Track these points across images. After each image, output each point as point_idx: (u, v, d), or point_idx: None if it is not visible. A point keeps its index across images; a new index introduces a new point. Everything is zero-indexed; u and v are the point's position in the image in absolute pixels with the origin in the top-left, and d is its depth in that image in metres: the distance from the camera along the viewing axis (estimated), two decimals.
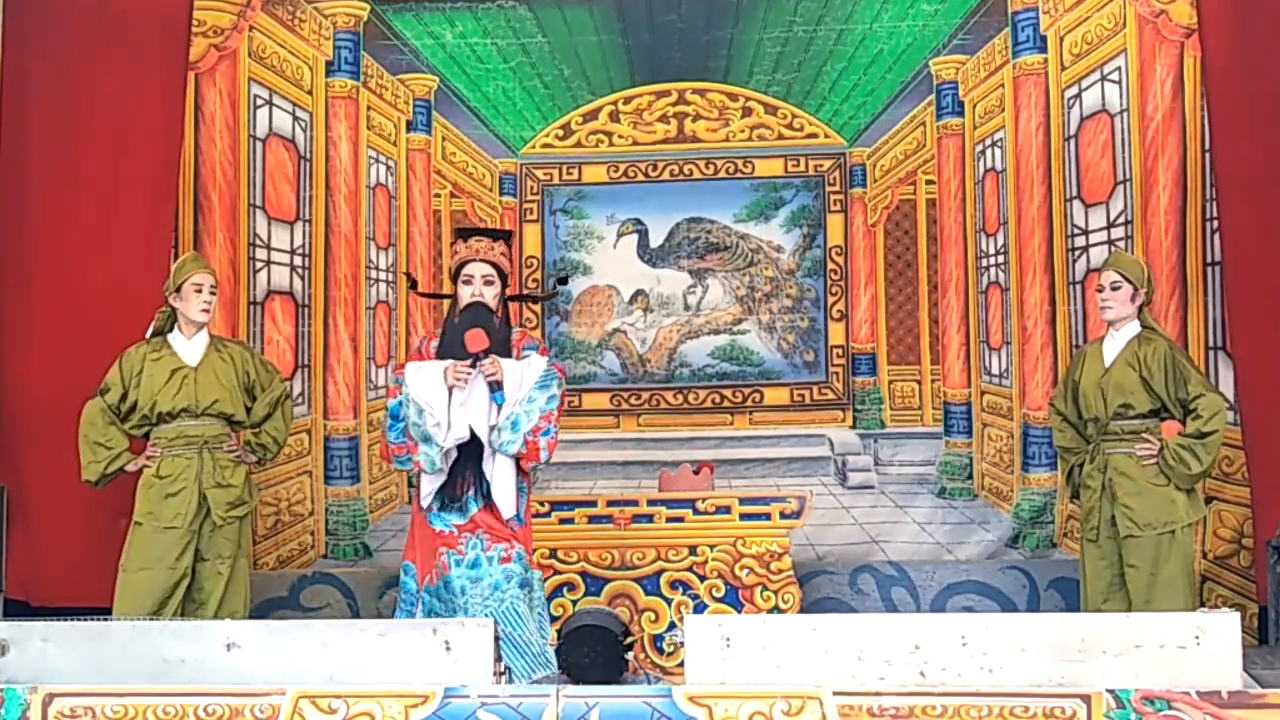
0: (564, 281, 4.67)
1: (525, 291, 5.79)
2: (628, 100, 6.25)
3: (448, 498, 4.52)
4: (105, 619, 4.03)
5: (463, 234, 4.68)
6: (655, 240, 6.27)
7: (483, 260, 4.54)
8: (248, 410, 5.06)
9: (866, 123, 6.20)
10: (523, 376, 4.45)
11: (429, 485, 4.54)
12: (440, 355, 4.54)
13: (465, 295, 4.53)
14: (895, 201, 6.20)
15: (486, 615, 4.20)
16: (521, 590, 4.44)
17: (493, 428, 4.44)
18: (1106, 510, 4.82)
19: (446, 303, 4.76)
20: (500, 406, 4.44)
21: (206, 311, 5.00)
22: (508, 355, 4.52)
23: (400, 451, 4.55)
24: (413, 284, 5.15)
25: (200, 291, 4.97)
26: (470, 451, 4.50)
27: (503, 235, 4.70)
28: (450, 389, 4.42)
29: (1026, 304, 6.02)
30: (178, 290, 4.98)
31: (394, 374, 4.38)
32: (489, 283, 4.54)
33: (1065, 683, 3.06)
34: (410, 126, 6.33)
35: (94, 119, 5.89)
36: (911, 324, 6.15)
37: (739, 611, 5.10)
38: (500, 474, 4.46)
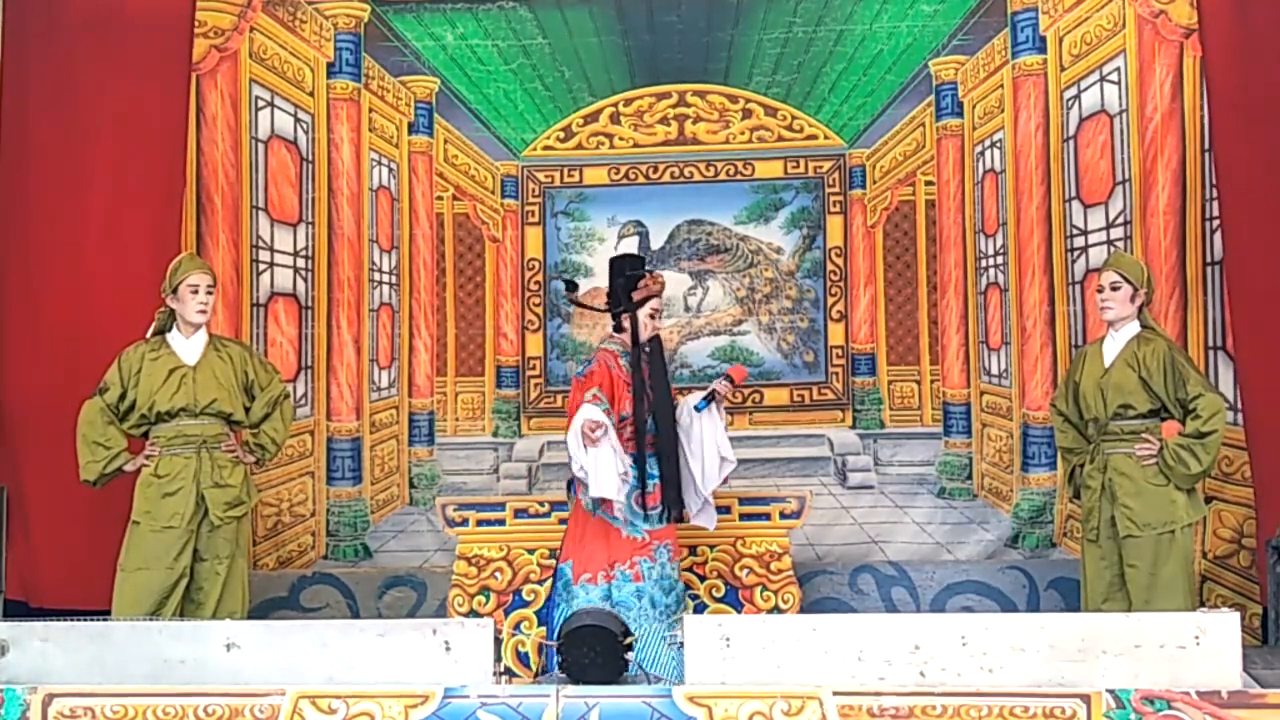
0: (572, 286, 5.09)
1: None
2: (628, 102, 6.26)
3: (643, 504, 4.70)
4: (105, 619, 4.03)
5: (639, 264, 4.96)
6: (656, 242, 6.28)
7: (659, 295, 4.89)
8: (246, 410, 5.06)
9: (866, 124, 6.20)
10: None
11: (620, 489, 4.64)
12: (654, 385, 4.78)
13: (649, 327, 4.85)
14: (895, 202, 6.20)
15: (671, 626, 4.48)
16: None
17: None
18: (1106, 510, 4.82)
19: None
20: (700, 411, 4.77)
21: (203, 312, 5.00)
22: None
23: None
24: (572, 287, 5.16)
25: (196, 292, 4.97)
26: (678, 462, 4.76)
27: None
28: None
29: (1026, 304, 6.02)
30: (174, 292, 4.98)
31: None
32: (661, 316, 4.97)
33: (1065, 683, 3.07)
34: (412, 128, 6.34)
35: (97, 120, 5.90)
36: (911, 324, 6.15)
37: (739, 611, 5.10)
38: (722, 477, 4.82)
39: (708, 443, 4.78)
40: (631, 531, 4.70)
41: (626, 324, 4.83)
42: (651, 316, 4.84)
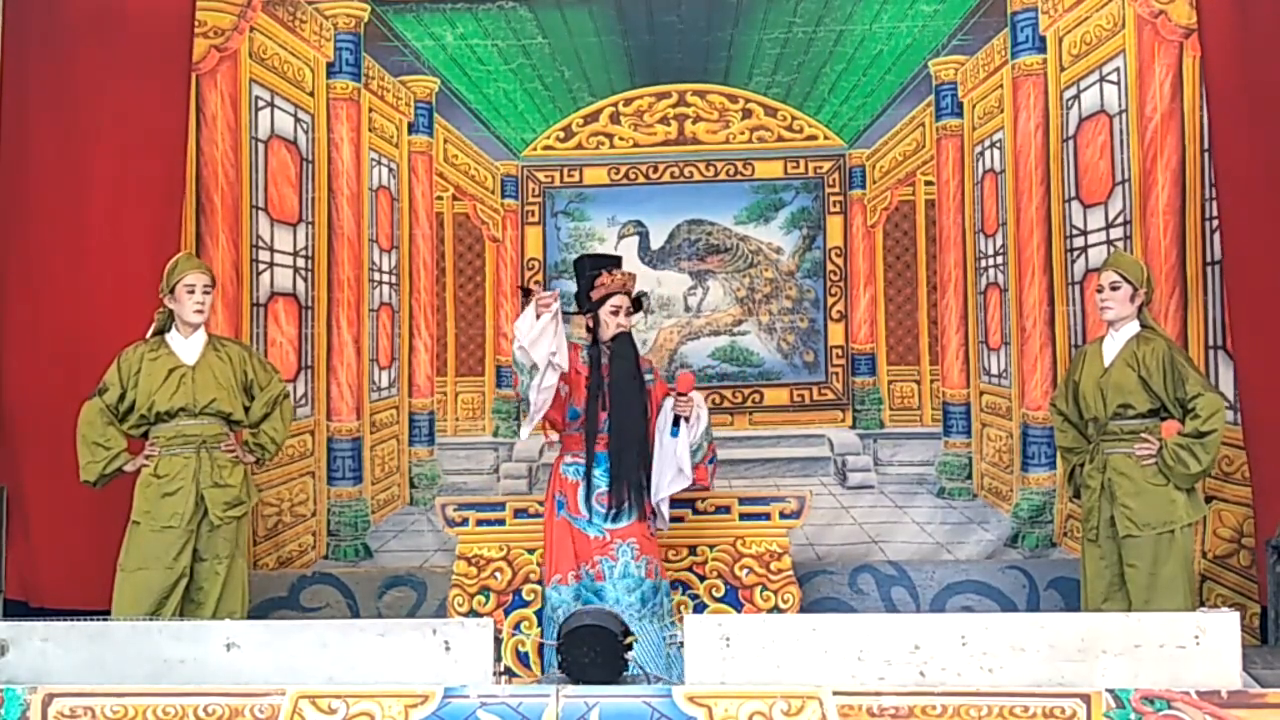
0: (527, 293, 5.16)
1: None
2: (628, 102, 6.26)
3: (604, 505, 4.72)
4: (105, 619, 4.02)
5: (603, 263, 4.91)
6: (656, 242, 6.28)
7: (624, 292, 4.82)
8: (246, 410, 5.06)
9: (866, 124, 6.20)
10: (700, 411, 4.78)
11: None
12: (614, 383, 4.73)
13: (611, 325, 4.78)
14: (894, 202, 6.20)
15: (644, 625, 4.54)
16: (667, 599, 4.80)
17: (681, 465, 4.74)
18: (1106, 510, 4.82)
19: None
20: (675, 437, 4.70)
21: (200, 312, 5.00)
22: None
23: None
24: (527, 294, 5.28)
25: (193, 293, 4.97)
26: (633, 463, 4.72)
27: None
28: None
29: (1025, 304, 6.02)
30: (171, 292, 4.98)
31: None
32: (628, 314, 4.85)
33: (1065, 683, 3.06)
34: (412, 128, 6.34)
35: (97, 120, 5.90)
36: (911, 324, 6.15)
37: (739, 611, 5.10)
38: (671, 490, 4.76)
39: (668, 455, 4.74)
40: (593, 531, 4.71)
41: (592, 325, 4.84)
42: (614, 314, 4.78)
